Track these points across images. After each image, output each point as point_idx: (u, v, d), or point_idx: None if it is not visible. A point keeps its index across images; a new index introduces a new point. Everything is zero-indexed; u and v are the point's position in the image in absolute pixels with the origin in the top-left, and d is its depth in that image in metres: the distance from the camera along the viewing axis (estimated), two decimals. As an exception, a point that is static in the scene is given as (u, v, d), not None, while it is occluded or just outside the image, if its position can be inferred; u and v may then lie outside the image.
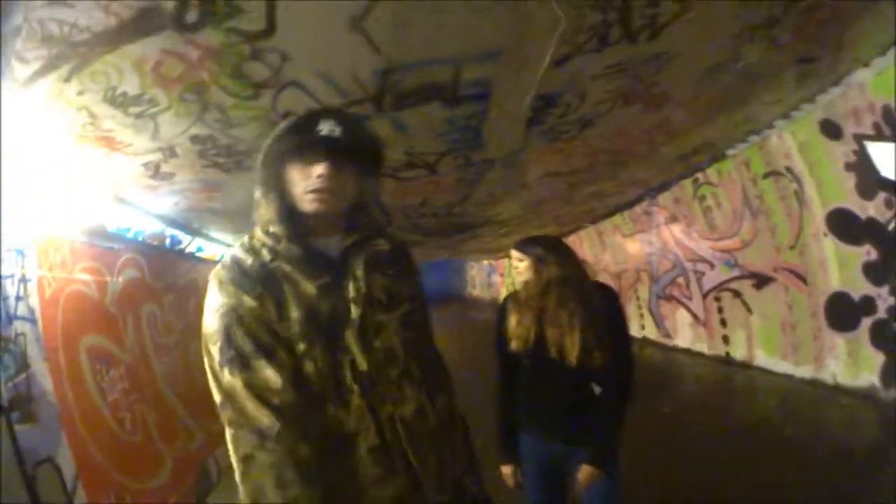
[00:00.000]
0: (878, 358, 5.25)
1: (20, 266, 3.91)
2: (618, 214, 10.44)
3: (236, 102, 3.45)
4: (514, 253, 2.68)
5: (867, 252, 5.27)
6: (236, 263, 1.41)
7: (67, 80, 2.91)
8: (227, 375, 1.30)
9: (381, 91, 3.49)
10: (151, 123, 3.58)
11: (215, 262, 6.26)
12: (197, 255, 8.16)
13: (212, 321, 1.37)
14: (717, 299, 8.08)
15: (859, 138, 5.08)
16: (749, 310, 7.37)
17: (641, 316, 10.69)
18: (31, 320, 3.94)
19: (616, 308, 2.57)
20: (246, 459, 1.25)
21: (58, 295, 4.38)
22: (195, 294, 7.80)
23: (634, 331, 10.76)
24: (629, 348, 2.55)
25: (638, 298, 10.72)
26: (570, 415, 2.42)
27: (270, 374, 1.29)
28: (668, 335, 9.75)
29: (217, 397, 1.34)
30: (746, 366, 7.44)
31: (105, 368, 4.87)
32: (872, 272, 5.25)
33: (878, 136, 4.88)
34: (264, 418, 1.25)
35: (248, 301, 1.34)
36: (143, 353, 5.78)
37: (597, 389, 2.46)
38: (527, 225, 9.61)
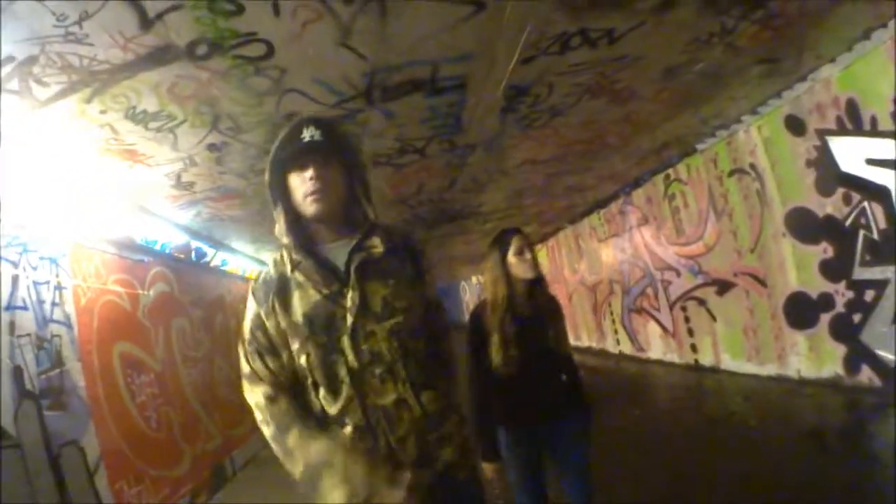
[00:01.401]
0: (840, 349, 5.26)
1: (54, 274, 4.18)
2: (595, 214, 10.40)
3: (244, 110, 3.74)
4: (519, 242, 2.59)
5: (824, 250, 5.30)
6: (262, 278, 1.66)
7: (89, 101, 3.19)
8: (249, 362, 1.61)
9: (370, 88, 3.75)
10: (171, 135, 3.86)
11: (239, 277, 6.67)
12: (222, 269, 8.46)
13: (245, 323, 1.66)
14: (684, 308, 8.05)
15: (822, 133, 5.09)
16: (713, 317, 7.36)
17: (616, 332, 10.67)
18: (67, 325, 4.20)
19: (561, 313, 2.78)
20: (262, 409, 1.57)
21: (93, 304, 4.65)
22: (221, 311, 8.13)
23: (611, 346, 10.89)
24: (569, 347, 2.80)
25: (612, 313, 10.69)
26: (553, 401, 2.55)
27: (275, 364, 1.60)
28: (641, 349, 9.73)
29: (244, 369, 1.63)
30: (714, 370, 7.46)
31: (136, 373, 5.14)
32: (829, 269, 5.27)
33: (841, 131, 4.89)
34: (270, 388, 1.57)
35: (262, 310, 1.61)
36: (171, 363, 6.04)
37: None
38: (509, 220, 9.61)
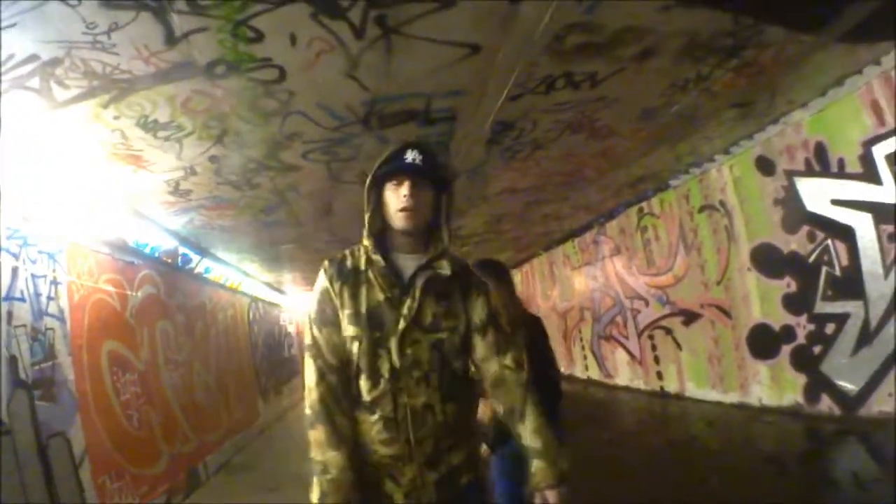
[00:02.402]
0: (800, 379, 5.48)
1: (51, 269, 4.31)
2: (569, 242, 10.70)
3: (250, 128, 3.96)
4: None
5: (787, 284, 5.56)
6: (337, 262, 1.81)
7: (105, 106, 3.36)
8: (314, 329, 1.76)
9: (368, 115, 4.01)
10: (177, 145, 4.04)
11: (220, 285, 6.78)
12: (205, 276, 8.55)
13: (314, 294, 1.81)
14: (651, 337, 8.32)
15: (790, 174, 5.35)
16: (679, 346, 7.62)
17: (585, 358, 10.90)
18: (61, 319, 4.32)
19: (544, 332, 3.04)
20: (310, 389, 1.73)
21: (85, 301, 4.76)
22: (202, 318, 8.23)
23: (579, 371, 11.11)
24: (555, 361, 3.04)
25: (581, 339, 10.92)
26: None
27: (336, 337, 1.75)
28: (609, 375, 9.96)
29: (308, 341, 1.78)
30: (679, 397, 7.69)
31: (121, 371, 5.23)
32: (792, 303, 5.53)
33: (808, 172, 5.15)
34: (328, 358, 1.74)
35: (332, 288, 1.77)
36: (154, 364, 6.11)
37: None
38: (486, 244, 9.97)
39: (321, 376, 1.72)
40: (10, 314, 3.68)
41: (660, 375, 8.26)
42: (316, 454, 1.67)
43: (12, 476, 3.37)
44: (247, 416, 9.84)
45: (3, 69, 2.76)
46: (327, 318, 1.76)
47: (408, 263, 1.79)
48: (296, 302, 15.20)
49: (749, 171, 5.93)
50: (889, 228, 4.46)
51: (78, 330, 4.54)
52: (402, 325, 1.70)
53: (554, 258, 11.82)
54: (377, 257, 1.76)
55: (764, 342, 5.96)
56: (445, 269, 1.79)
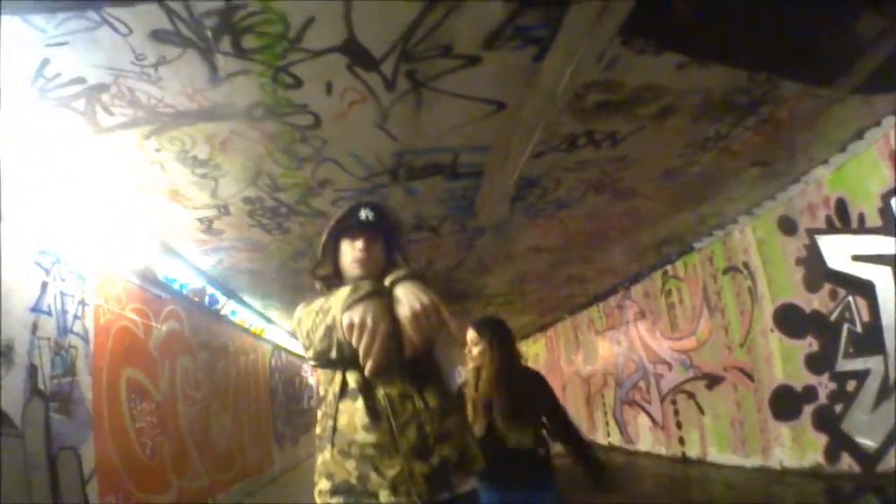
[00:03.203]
0: (821, 439, 5.35)
1: (80, 290, 4.49)
2: (594, 307, 10.67)
3: (284, 171, 4.17)
4: (471, 335, 2.98)
5: (809, 344, 5.49)
6: (313, 301, 1.86)
7: (147, 137, 3.55)
8: (312, 345, 1.76)
9: (397, 167, 4.20)
10: (213, 183, 4.25)
11: (244, 329, 6.97)
12: (230, 318, 8.73)
13: (297, 320, 1.87)
14: (674, 402, 8.19)
15: (811, 232, 5.36)
16: (701, 410, 7.48)
17: (607, 423, 10.71)
18: (85, 339, 4.47)
19: (547, 388, 3.04)
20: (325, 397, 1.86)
21: (110, 326, 4.92)
22: (224, 358, 8.36)
23: (600, 438, 10.87)
24: (565, 415, 3.03)
25: (604, 405, 10.76)
26: (524, 477, 2.78)
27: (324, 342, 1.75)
28: (630, 441, 9.76)
29: (309, 356, 1.82)
30: (700, 462, 7.51)
31: (139, 399, 5.32)
32: (814, 363, 5.45)
33: (829, 229, 5.16)
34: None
35: (313, 308, 1.79)
36: (172, 397, 6.20)
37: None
38: (510, 305, 10.00)
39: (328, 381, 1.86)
40: (35, 325, 3.82)
41: (682, 441, 8.08)
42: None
43: (19, 480, 3.44)
44: (261, 462, 9.77)
45: (49, 86, 2.95)
46: (312, 330, 1.78)
47: None
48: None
49: (771, 232, 5.94)
50: None
51: (100, 352, 4.68)
52: None
53: (578, 322, 11.76)
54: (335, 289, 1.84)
55: (786, 404, 5.87)
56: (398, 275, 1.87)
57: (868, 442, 4.83)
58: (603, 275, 8.60)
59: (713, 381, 7.20)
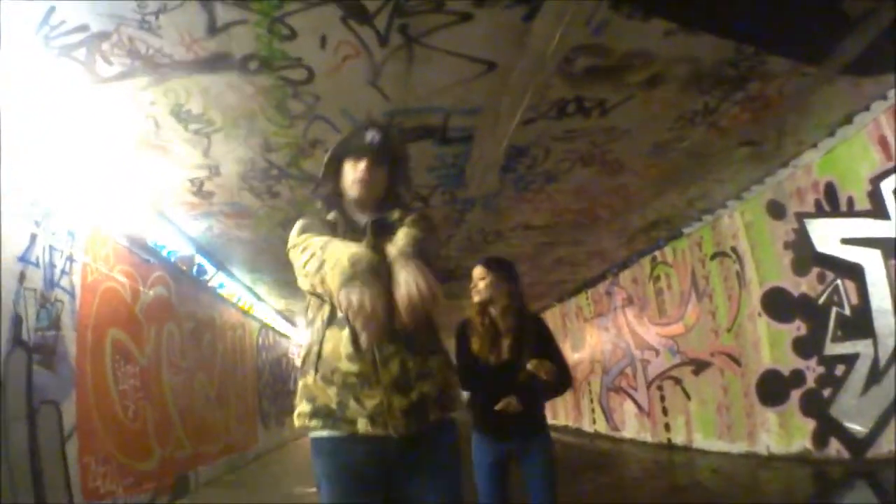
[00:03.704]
0: (809, 424, 5.40)
1: (69, 245, 4.54)
2: (583, 293, 10.78)
3: (276, 130, 4.22)
4: (478, 270, 3.03)
5: (797, 328, 5.56)
6: (310, 215, 1.96)
7: (144, 89, 3.60)
8: (303, 261, 1.78)
9: (388, 128, 4.27)
10: (205, 140, 4.30)
11: (231, 304, 7.00)
12: (218, 291, 8.78)
13: (293, 243, 1.86)
14: (660, 388, 8.29)
15: (800, 216, 5.42)
16: (688, 396, 7.57)
17: (593, 411, 10.82)
18: (71, 294, 4.53)
19: (546, 331, 3.09)
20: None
21: (97, 285, 4.98)
22: (211, 331, 8.41)
23: (587, 425, 11.02)
24: (563, 359, 3.06)
25: (591, 392, 10.87)
26: (519, 418, 2.81)
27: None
28: (616, 428, 9.86)
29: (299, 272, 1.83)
30: (686, 449, 7.60)
31: (123, 361, 5.38)
32: (801, 346, 5.51)
33: (818, 213, 5.19)
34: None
35: (311, 221, 1.90)
36: (157, 363, 6.27)
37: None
38: None
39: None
40: (22, 275, 3.87)
41: (667, 427, 8.19)
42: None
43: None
44: (245, 439, 9.85)
45: (53, 34, 3.00)
46: (312, 239, 1.81)
47: (361, 218, 1.92)
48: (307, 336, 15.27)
49: (760, 216, 6.02)
50: None
51: (86, 310, 4.73)
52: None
53: (566, 310, 11.87)
54: (332, 217, 1.92)
55: (773, 388, 5.92)
56: (394, 215, 1.91)
57: (857, 427, 4.87)
58: (592, 258, 8.70)
59: (700, 366, 7.29)
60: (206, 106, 3.88)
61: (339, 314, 1.73)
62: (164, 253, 6.59)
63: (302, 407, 1.80)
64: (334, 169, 1.99)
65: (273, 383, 12.64)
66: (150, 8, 2.90)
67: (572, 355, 11.60)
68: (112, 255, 5.31)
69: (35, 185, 4.12)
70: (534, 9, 3.09)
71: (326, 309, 1.81)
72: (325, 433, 1.76)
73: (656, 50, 3.51)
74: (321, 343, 1.78)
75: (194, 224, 6.24)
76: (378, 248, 1.76)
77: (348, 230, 1.86)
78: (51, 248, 4.27)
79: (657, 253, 8.15)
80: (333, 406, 1.73)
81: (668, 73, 3.77)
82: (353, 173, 1.92)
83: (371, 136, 1.93)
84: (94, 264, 4.96)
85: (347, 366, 1.72)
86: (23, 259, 3.91)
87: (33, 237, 4.06)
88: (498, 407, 2.76)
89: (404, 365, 1.73)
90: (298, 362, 1.92)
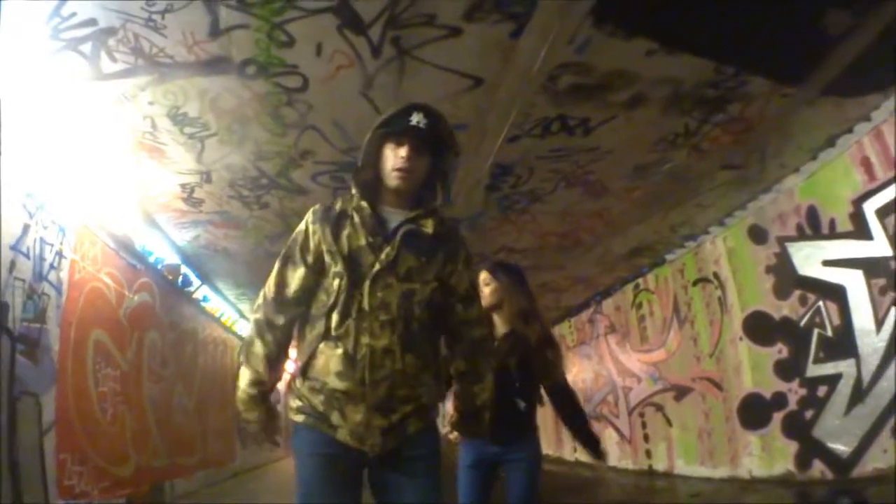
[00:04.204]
0: (792, 447, 5.40)
1: (59, 241, 4.61)
2: (566, 321, 10.82)
3: (269, 138, 4.34)
4: (483, 275, 3.04)
5: (779, 351, 5.61)
6: (326, 206, 1.89)
7: (143, 88, 3.71)
8: (277, 265, 1.87)
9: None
10: (199, 145, 4.42)
11: (215, 319, 7.08)
12: (202, 304, 8.80)
13: (308, 232, 1.87)
14: (641, 415, 8.30)
15: (782, 240, 5.47)
16: (669, 422, 7.60)
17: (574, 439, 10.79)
18: (58, 290, 4.57)
19: (553, 341, 3.13)
20: (254, 309, 1.89)
21: (84, 283, 5.03)
22: (192, 343, 8.43)
23: (567, 454, 10.91)
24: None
25: (572, 420, 10.91)
26: (512, 423, 2.84)
27: (292, 275, 1.85)
28: (598, 456, 9.89)
29: (269, 283, 1.87)
30: (667, 475, 7.58)
31: (104, 363, 5.40)
32: (783, 369, 5.55)
33: (800, 237, 5.26)
34: (269, 293, 1.85)
35: (313, 226, 1.85)
36: (137, 369, 6.27)
37: (521, 405, 2.91)
38: None
39: (269, 309, 1.85)
40: (12, 263, 3.92)
41: (648, 454, 8.19)
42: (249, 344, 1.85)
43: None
44: (223, 455, 9.76)
45: (63, 26, 3.12)
46: (297, 255, 1.85)
47: (394, 216, 1.85)
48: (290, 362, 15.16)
49: (742, 241, 6.10)
50: (881, 282, 4.51)
51: (71, 307, 4.77)
52: (377, 267, 1.75)
53: (550, 339, 11.86)
54: (364, 204, 1.83)
55: (755, 412, 5.93)
56: (429, 227, 1.85)
57: (841, 447, 4.86)
58: (576, 284, 8.81)
59: (681, 392, 7.33)
60: (203, 109, 4.00)
61: (333, 332, 1.76)
62: (151, 259, 6.65)
63: (292, 402, 1.84)
64: (375, 150, 1.87)
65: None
66: (158, 6, 3.02)
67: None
68: (100, 255, 5.37)
69: (31, 176, 4.20)
70: (521, 25, 3.26)
71: (320, 325, 1.78)
72: (309, 428, 1.78)
73: (638, 69, 3.67)
74: (314, 355, 1.78)
75: (182, 232, 6.32)
76: (398, 258, 1.78)
77: (371, 229, 1.81)
78: (42, 240, 4.33)
79: (640, 280, 8.27)
80: (320, 409, 1.76)
81: (650, 93, 3.93)
82: (392, 158, 1.82)
83: (417, 119, 1.80)
84: (82, 263, 5.02)
85: (336, 382, 1.73)
86: (14, 248, 3.96)
87: (26, 227, 4.13)
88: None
89: (392, 389, 1.74)
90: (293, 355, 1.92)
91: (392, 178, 1.82)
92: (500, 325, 3.00)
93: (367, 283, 1.74)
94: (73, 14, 3.04)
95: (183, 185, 5.14)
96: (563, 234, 6.53)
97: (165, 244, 6.52)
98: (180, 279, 7.59)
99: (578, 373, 10.49)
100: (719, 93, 4.00)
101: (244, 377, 1.84)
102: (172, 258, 6.96)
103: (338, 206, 1.88)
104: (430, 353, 1.85)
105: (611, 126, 4.30)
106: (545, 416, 9.69)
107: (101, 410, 5.27)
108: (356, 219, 1.82)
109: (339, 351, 1.73)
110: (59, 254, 4.61)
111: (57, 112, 3.95)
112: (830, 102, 4.22)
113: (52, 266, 4.48)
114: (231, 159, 4.70)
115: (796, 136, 4.71)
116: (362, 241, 1.79)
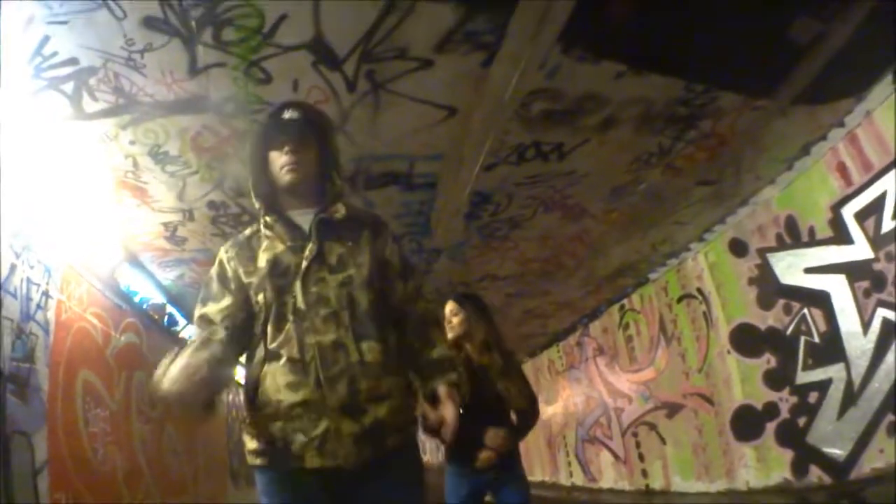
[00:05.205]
0: (787, 455, 5.43)
1: (46, 281, 4.59)
2: (554, 346, 10.89)
3: (248, 174, 4.42)
4: (450, 306, 3.22)
5: (767, 361, 5.66)
6: (236, 237, 1.91)
7: (125, 127, 3.75)
8: (197, 307, 1.83)
9: (356, 174, 4.48)
10: (181, 183, 4.46)
11: None
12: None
13: (211, 270, 1.87)
14: (635, 434, 8.33)
15: (762, 252, 5.55)
16: (663, 440, 7.63)
17: (569, 464, 10.75)
18: (45, 330, 4.53)
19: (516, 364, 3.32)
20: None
21: (71, 324, 4.99)
22: (179, 384, 8.31)
23: (563, 478, 10.94)
24: (531, 389, 3.29)
25: (566, 445, 10.83)
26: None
27: (214, 308, 1.78)
28: (593, 479, 9.80)
29: (196, 316, 1.84)
30: (664, 493, 7.59)
31: (93, 403, 5.32)
32: (773, 379, 5.60)
33: (780, 246, 5.33)
34: (195, 336, 1.74)
35: (226, 255, 1.84)
36: (126, 409, 6.17)
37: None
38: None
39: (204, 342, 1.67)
40: (0, 303, 3.90)
41: (644, 473, 8.17)
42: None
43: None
44: (215, 495, 9.53)
45: (45, 65, 3.16)
46: (216, 286, 1.81)
47: (305, 218, 1.82)
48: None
49: (723, 255, 6.19)
50: (864, 284, 4.55)
51: (59, 347, 4.74)
52: (304, 264, 1.71)
53: (539, 365, 11.90)
54: (270, 218, 1.81)
55: (747, 423, 5.95)
56: (340, 212, 1.83)
57: (836, 451, 4.88)
58: (561, 309, 8.86)
59: (673, 409, 7.37)
60: (183, 147, 4.05)
61: (272, 345, 1.70)
62: (136, 300, 6.63)
63: (249, 444, 1.75)
64: (260, 162, 1.87)
65: (243, 442, 12.31)
66: (137, 46, 3.07)
67: (546, 409, 11.56)
68: (85, 295, 5.35)
69: (18, 217, 4.21)
70: (492, 54, 3.36)
71: (259, 350, 1.73)
72: (271, 470, 1.70)
73: (608, 92, 3.78)
74: (259, 381, 1.69)
75: (166, 271, 6.32)
76: (323, 249, 1.75)
77: (288, 234, 1.79)
78: (28, 280, 4.32)
79: (625, 300, 8.35)
80: (279, 444, 1.64)
81: (621, 115, 4.04)
82: (278, 159, 1.80)
83: (289, 114, 1.83)
84: (69, 303, 4.99)
85: (289, 396, 1.62)
86: (2, 288, 3.95)
87: (13, 267, 4.12)
88: (478, 465, 2.90)
89: (353, 385, 1.62)
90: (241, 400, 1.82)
91: (283, 175, 1.80)
92: (473, 354, 3.11)
93: (297, 284, 1.69)
94: (55, 53, 3.08)
95: (166, 224, 5.17)
96: (546, 259, 6.61)
97: (150, 283, 6.51)
98: (166, 318, 7.57)
99: (570, 396, 10.53)
100: (690, 110, 4.09)
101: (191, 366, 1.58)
102: (157, 298, 6.95)
103: (248, 231, 1.91)
104: (386, 337, 1.76)
105: (585, 150, 4.40)
106: (537, 439, 9.78)
107: (93, 450, 5.18)
108: (269, 232, 1.81)
109: (283, 360, 1.65)
110: (46, 294, 4.59)
111: (40, 152, 3.99)
112: (803, 111, 4.26)
113: (38, 306, 4.46)
114: (212, 196, 4.75)
115: (770, 148, 4.78)
116: (281, 247, 1.77)
